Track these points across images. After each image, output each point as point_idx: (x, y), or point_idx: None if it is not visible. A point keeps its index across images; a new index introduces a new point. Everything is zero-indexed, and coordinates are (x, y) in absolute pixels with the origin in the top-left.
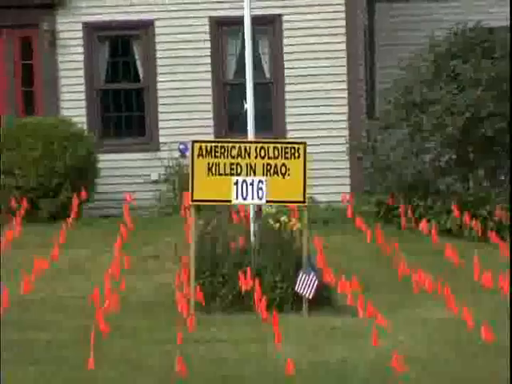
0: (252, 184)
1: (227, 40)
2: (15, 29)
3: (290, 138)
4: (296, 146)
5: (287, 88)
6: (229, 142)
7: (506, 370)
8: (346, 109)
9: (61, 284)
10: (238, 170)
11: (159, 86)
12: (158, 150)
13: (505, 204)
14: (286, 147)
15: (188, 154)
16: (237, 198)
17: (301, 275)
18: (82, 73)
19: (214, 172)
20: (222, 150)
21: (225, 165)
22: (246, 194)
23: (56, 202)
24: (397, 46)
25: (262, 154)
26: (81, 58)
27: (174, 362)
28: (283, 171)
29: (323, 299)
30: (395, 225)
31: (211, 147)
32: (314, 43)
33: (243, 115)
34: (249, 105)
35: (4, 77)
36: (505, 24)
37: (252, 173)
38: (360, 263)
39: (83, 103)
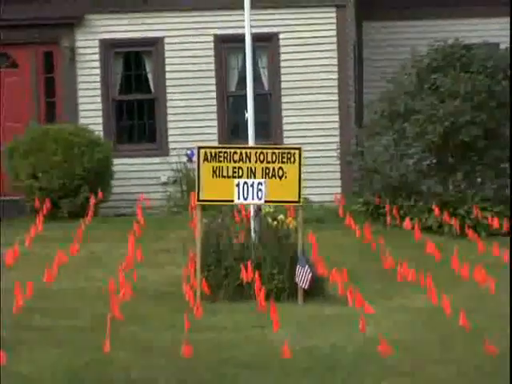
0: (252, 186)
1: (230, 55)
2: (39, 45)
3: (287, 144)
4: (292, 151)
5: (284, 99)
6: (231, 147)
7: (480, 351)
8: (336, 118)
9: (80, 275)
10: (240, 173)
11: (168, 97)
12: (167, 154)
13: (481, 204)
14: (283, 152)
15: (194, 158)
16: (238, 198)
17: (298, 268)
18: (98, 85)
19: (218, 175)
20: (225, 155)
21: (228, 168)
22: (247, 195)
23: (75, 202)
24: (382, 60)
25: (261, 159)
26: (97, 71)
27: (181, 345)
28: (280, 174)
29: (316, 289)
30: (381, 222)
31: (215, 152)
32: (307, 58)
33: (244, 123)
34: (249, 114)
35: (29, 88)
36: (480, 41)
37: (252, 176)
38: (350, 257)
39: (100, 112)
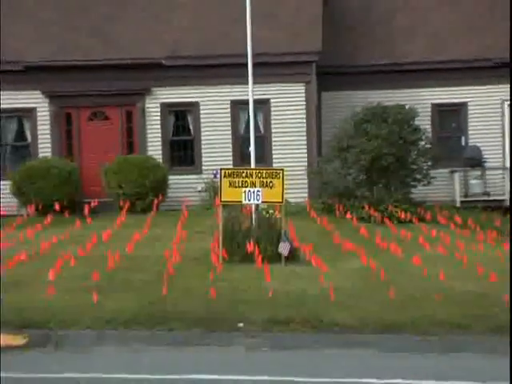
0: (253, 192)
1: (240, 113)
2: (122, 106)
3: (275, 166)
4: (278, 171)
5: (273, 139)
6: (240, 169)
7: (390, 291)
8: (305, 150)
9: (148, 247)
10: (246, 185)
11: (202, 138)
12: (201, 173)
13: (393, 203)
14: (273, 172)
15: (218, 176)
16: (245, 200)
17: (281, 243)
18: (159, 131)
19: (232, 185)
20: (237, 174)
21: (238, 181)
22: (250, 198)
23: (145, 203)
24: (334, 116)
25: (259, 176)
26: (158, 122)
27: (209, 289)
28: (271, 185)
29: (293, 256)
30: (333, 215)
31: (231, 172)
32: (288, 115)
33: (248, 154)
34: (252, 148)
35: (116, 133)
36: (394, 103)
37: (253, 186)
38: (313, 236)
39: (160, 147)
